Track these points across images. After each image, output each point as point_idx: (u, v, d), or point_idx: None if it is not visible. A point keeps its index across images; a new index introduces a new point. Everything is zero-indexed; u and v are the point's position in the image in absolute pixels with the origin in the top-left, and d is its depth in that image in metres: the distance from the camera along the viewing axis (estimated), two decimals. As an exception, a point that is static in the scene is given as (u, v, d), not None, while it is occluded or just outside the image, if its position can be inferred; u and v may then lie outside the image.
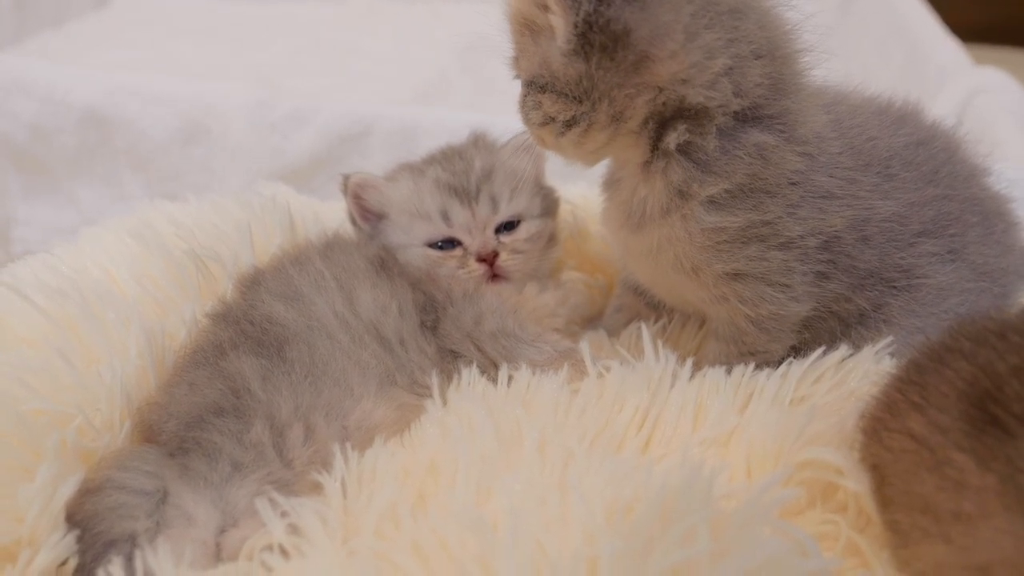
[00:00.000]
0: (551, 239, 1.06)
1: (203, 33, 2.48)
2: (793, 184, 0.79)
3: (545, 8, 0.74)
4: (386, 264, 0.95)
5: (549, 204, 1.06)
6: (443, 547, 0.57)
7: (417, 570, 0.56)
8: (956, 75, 1.61)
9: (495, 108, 1.91)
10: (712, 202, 0.78)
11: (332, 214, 1.16)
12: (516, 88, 0.84)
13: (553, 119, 0.78)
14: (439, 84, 2.11)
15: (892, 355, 0.81)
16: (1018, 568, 0.51)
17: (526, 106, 0.82)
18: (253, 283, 0.92)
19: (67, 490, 0.69)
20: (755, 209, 0.78)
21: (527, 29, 0.78)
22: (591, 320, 1.10)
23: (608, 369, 0.84)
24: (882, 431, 0.64)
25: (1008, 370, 0.57)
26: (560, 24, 0.73)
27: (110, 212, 1.67)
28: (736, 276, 0.82)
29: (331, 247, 0.97)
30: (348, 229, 1.06)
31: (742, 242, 0.80)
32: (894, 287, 0.84)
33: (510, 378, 0.84)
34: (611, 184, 0.90)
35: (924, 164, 0.86)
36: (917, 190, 0.84)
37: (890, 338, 0.82)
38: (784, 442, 0.68)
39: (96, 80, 1.58)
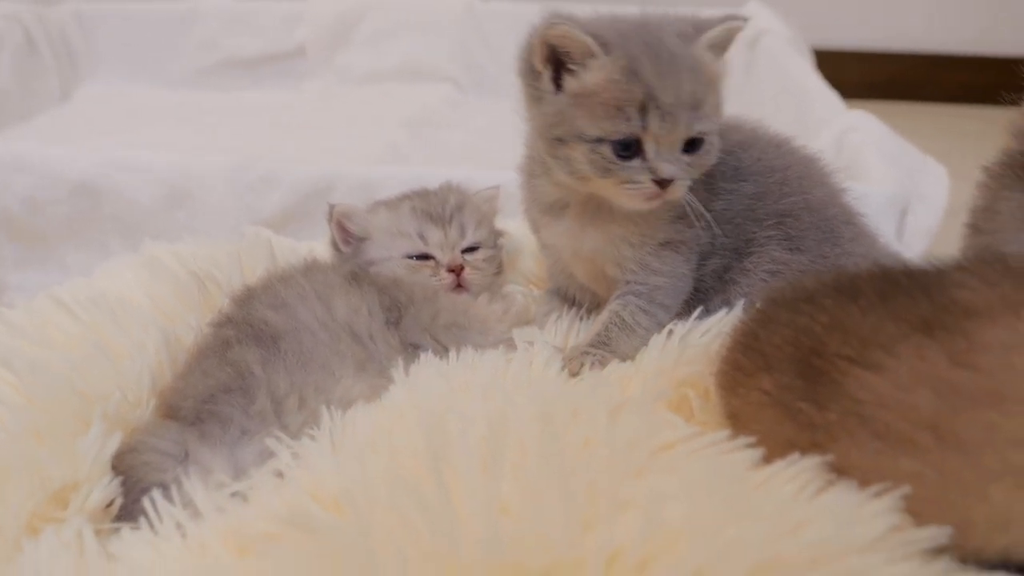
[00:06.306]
0: (499, 267, 1.30)
1: (166, 119, 2.68)
2: None
3: None
4: (357, 277, 1.15)
5: (498, 240, 1.31)
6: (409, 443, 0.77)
7: (387, 458, 0.76)
8: (833, 117, 1.90)
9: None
10: None
11: (305, 251, 1.36)
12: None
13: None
14: (392, 152, 2.34)
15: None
16: None
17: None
18: (247, 297, 1.11)
19: (113, 443, 0.88)
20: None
21: None
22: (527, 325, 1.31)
23: (531, 343, 1.06)
24: (738, 387, 0.79)
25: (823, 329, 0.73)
26: None
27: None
28: (666, 244, 1.04)
29: (311, 268, 1.17)
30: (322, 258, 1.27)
31: (676, 217, 1.02)
32: (739, 253, 1.06)
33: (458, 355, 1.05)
34: (559, 209, 1.09)
35: (775, 160, 1.08)
36: (766, 178, 1.07)
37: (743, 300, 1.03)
38: (666, 366, 0.91)
39: (88, 156, 1.78)
